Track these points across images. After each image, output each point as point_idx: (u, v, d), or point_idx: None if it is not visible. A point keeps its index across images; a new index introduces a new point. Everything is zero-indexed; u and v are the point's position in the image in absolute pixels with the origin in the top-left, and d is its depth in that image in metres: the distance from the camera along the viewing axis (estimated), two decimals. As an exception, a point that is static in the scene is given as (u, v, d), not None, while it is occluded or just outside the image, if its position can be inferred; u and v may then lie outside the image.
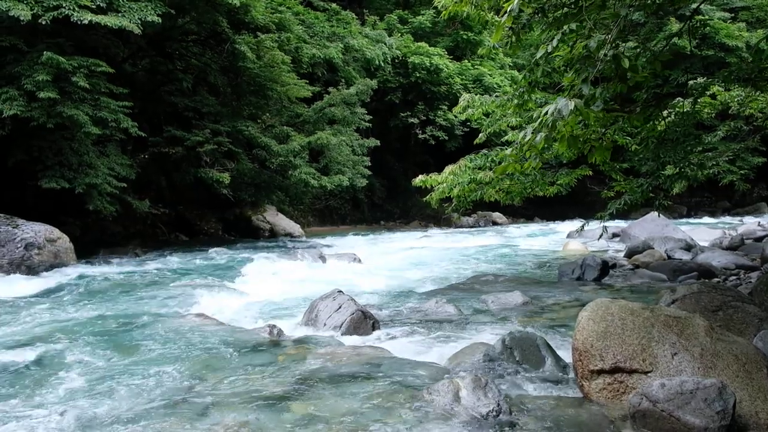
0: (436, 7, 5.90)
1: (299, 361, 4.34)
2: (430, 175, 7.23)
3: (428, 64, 24.29)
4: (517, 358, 4.07)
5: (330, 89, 18.21)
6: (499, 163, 5.73)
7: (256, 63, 15.06)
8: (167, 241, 14.60)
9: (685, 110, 6.46)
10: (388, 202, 26.21)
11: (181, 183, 14.86)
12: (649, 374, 3.28)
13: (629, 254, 10.74)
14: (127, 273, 9.38)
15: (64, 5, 9.71)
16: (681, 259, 9.70)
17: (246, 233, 16.96)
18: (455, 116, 16.29)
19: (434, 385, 3.44)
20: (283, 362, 4.33)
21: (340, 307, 5.53)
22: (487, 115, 7.82)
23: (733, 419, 2.86)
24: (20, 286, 8.06)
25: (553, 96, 4.97)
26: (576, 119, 3.61)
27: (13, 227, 9.30)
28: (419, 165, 21.10)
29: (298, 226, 19.05)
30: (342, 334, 5.22)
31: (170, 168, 14.73)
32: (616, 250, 12.41)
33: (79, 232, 11.53)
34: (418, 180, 7.24)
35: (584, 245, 12.56)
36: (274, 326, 5.28)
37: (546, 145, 3.79)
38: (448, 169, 7.05)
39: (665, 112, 6.40)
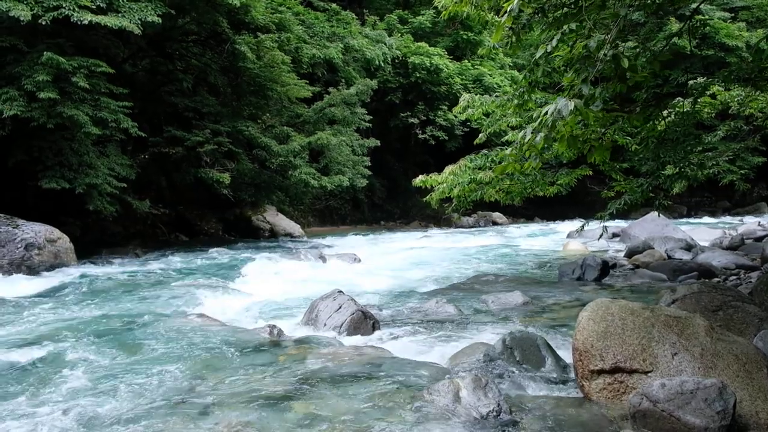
0: (436, 7, 5.90)
1: (300, 361, 4.34)
2: (430, 175, 7.23)
3: (428, 64, 24.29)
4: (517, 358, 4.07)
5: (330, 89, 18.21)
6: (499, 162, 5.73)
7: (256, 63, 15.06)
8: (167, 241, 14.61)
9: (685, 110, 6.46)
10: (388, 202, 26.21)
11: (181, 183, 14.86)
12: (649, 374, 3.28)
13: (629, 254, 10.74)
14: (128, 273, 9.38)
15: (64, 5, 9.71)
16: (681, 259, 9.70)
17: (246, 233, 16.97)
18: (455, 116, 16.29)
19: (434, 385, 3.44)
20: (283, 362, 4.33)
21: (340, 307, 5.53)
22: (487, 115, 7.82)
23: (733, 419, 2.86)
24: (21, 286, 8.07)
25: (553, 96, 4.97)
26: (576, 119, 3.61)
27: (14, 227, 9.30)
28: (419, 165, 21.10)
29: (299, 226, 19.06)
30: (342, 334, 5.22)
31: (170, 168, 14.73)
32: (616, 250, 12.41)
33: (79, 233, 11.54)
34: (418, 180, 7.25)
35: (584, 245, 12.56)
36: (275, 326, 5.28)
37: (546, 145, 3.80)
38: (448, 169, 7.05)
39: (665, 112, 6.40)
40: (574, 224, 12.07)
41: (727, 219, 23.46)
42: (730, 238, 12.07)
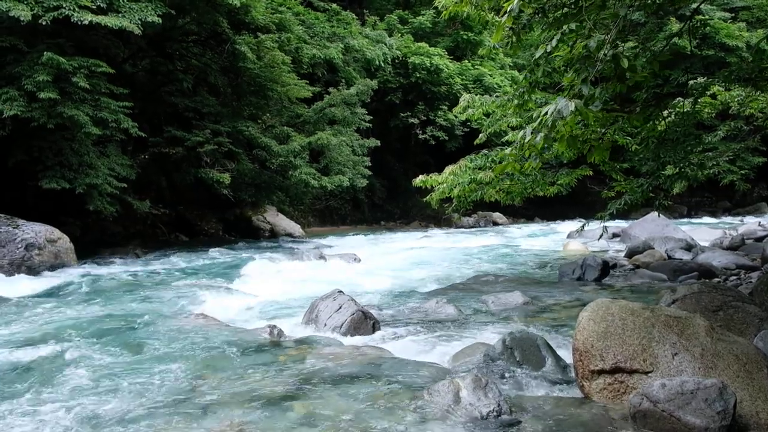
0: (436, 8, 5.90)
1: (300, 361, 4.34)
2: (430, 175, 7.23)
3: (428, 65, 24.29)
4: (517, 359, 4.07)
5: (330, 89, 18.21)
6: (500, 162, 5.73)
7: (256, 63, 15.06)
8: (167, 241, 14.61)
9: (685, 110, 6.46)
10: (388, 202, 26.21)
11: (181, 183, 14.86)
12: (649, 374, 3.28)
13: (629, 254, 10.74)
14: (128, 273, 9.39)
15: (64, 6, 9.72)
16: (681, 259, 9.70)
17: (246, 233, 16.96)
18: (455, 116, 16.33)
19: (435, 385, 3.44)
20: (283, 362, 4.33)
21: (340, 308, 5.53)
22: (487, 115, 7.83)
23: (733, 419, 2.86)
24: (21, 286, 8.07)
25: (553, 96, 4.98)
26: (575, 119, 3.61)
27: (14, 228, 9.30)
28: (419, 165, 21.10)
29: (299, 226, 19.06)
30: (342, 335, 5.22)
31: (170, 168, 14.73)
32: (616, 250, 12.41)
33: (79, 233, 11.54)
34: (419, 180, 7.25)
35: (584, 245, 12.56)
36: (275, 326, 5.28)
37: (546, 145, 3.79)
38: (449, 169, 7.05)
39: (665, 112, 6.40)
40: (575, 224, 12.08)
41: (728, 219, 23.46)
42: (731, 238, 12.06)
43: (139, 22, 10.52)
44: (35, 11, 9.56)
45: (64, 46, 10.32)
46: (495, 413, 3.15)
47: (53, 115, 9.71)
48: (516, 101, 5.43)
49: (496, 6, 5.22)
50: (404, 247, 14.11)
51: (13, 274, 8.76)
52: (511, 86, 21.88)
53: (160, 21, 11.00)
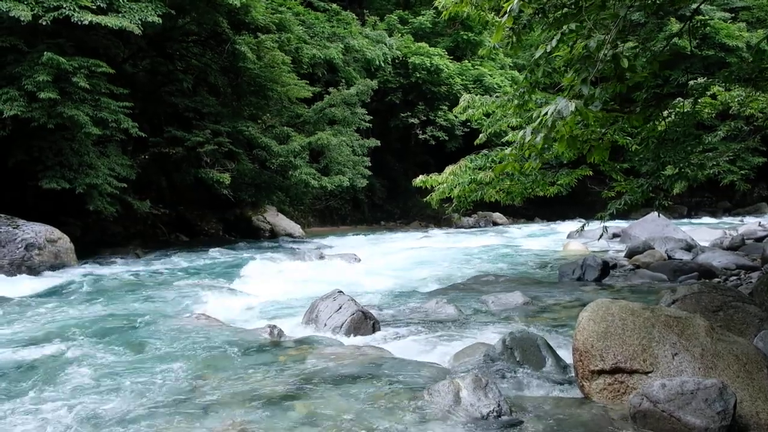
0: (436, 8, 5.90)
1: (300, 361, 4.34)
2: (430, 175, 7.23)
3: (428, 65, 24.29)
4: (517, 359, 4.07)
5: (330, 89, 18.22)
6: (500, 162, 5.73)
7: (256, 63, 15.07)
8: (168, 241, 14.61)
9: (685, 110, 6.46)
10: (388, 202, 26.21)
11: (181, 183, 14.87)
12: (649, 374, 3.28)
13: (630, 254, 10.73)
14: (128, 273, 9.39)
15: (64, 6, 9.72)
16: (681, 260, 9.70)
17: (246, 234, 16.97)
18: (455, 116, 16.32)
19: (435, 385, 3.44)
20: (284, 362, 4.33)
21: (340, 308, 5.53)
22: (487, 115, 7.83)
23: (733, 419, 2.86)
24: (22, 286, 8.08)
25: (553, 96, 4.97)
26: (575, 119, 3.61)
27: (14, 228, 9.30)
28: (419, 165, 21.10)
29: (299, 226, 19.06)
30: (342, 335, 5.22)
31: (171, 168, 14.74)
32: (616, 250, 12.41)
33: (79, 233, 11.54)
34: (419, 180, 7.25)
35: (585, 245, 12.56)
36: (275, 327, 5.28)
37: (546, 145, 3.79)
38: (449, 169, 7.05)
39: (665, 112, 6.40)
40: (575, 224, 12.08)
41: (728, 219, 23.45)
42: (731, 238, 12.06)
43: (139, 22, 10.53)
44: (35, 11, 9.57)
45: (64, 46, 10.33)
46: (495, 413, 3.15)
47: (53, 115, 9.71)
48: (516, 101, 5.43)
49: (496, 6, 5.22)
50: (404, 247, 14.11)
51: (14, 274, 8.77)
52: (511, 86, 21.88)
53: (160, 21, 11.01)
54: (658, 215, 10.93)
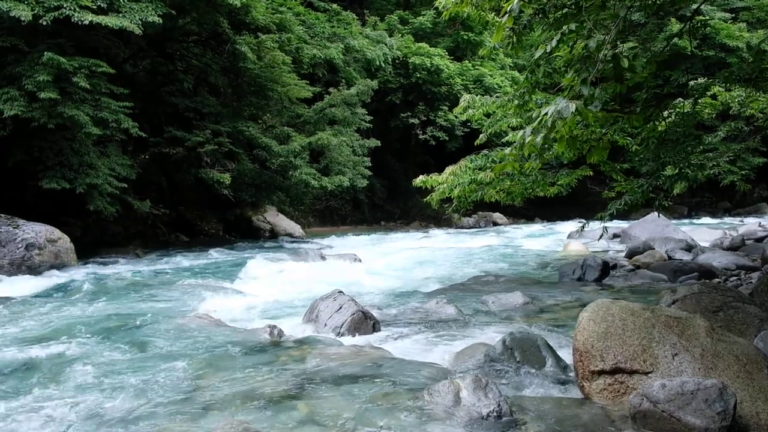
0: (436, 8, 5.90)
1: (300, 361, 4.34)
2: (430, 175, 7.23)
3: (429, 65, 24.30)
4: (517, 359, 4.07)
5: (330, 90, 18.23)
6: (500, 162, 5.73)
7: (256, 63, 15.08)
8: (168, 241, 14.61)
9: (685, 111, 6.46)
10: (388, 202, 26.22)
11: (181, 183, 14.87)
12: (649, 375, 3.28)
13: (630, 255, 10.73)
14: (128, 273, 9.39)
15: (64, 6, 9.73)
16: (681, 260, 9.69)
17: (246, 234, 16.97)
18: (456, 117, 16.28)
19: (435, 385, 3.44)
20: (284, 363, 4.33)
21: (340, 308, 5.53)
22: (487, 115, 7.83)
23: (733, 420, 2.85)
24: (22, 286, 8.08)
25: (554, 96, 4.98)
26: (575, 120, 3.61)
27: (14, 227, 9.30)
28: (420, 165, 21.10)
29: (299, 226, 19.06)
30: (342, 335, 5.22)
31: (171, 168, 14.74)
32: (616, 250, 12.41)
33: (79, 233, 11.54)
34: (419, 180, 7.25)
35: (585, 246, 12.56)
36: (275, 327, 5.28)
37: (546, 145, 3.79)
38: (449, 169, 7.05)
39: (666, 113, 6.40)
40: (575, 225, 12.09)
41: (728, 220, 23.45)
42: (731, 238, 12.06)
43: (140, 22, 10.54)
44: (36, 11, 9.58)
45: (64, 46, 10.33)
46: (495, 414, 3.15)
47: (54, 115, 9.71)
48: (516, 102, 5.44)
49: (496, 6, 5.22)
50: (404, 247, 14.11)
51: (14, 274, 8.77)
52: (511, 86, 21.89)
53: (161, 21, 11.01)
54: (658, 215, 10.93)
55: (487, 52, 20.84)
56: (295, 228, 18.61)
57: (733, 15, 27.00)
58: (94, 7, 10.17)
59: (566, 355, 4.12)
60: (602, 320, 3.51)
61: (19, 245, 9.09)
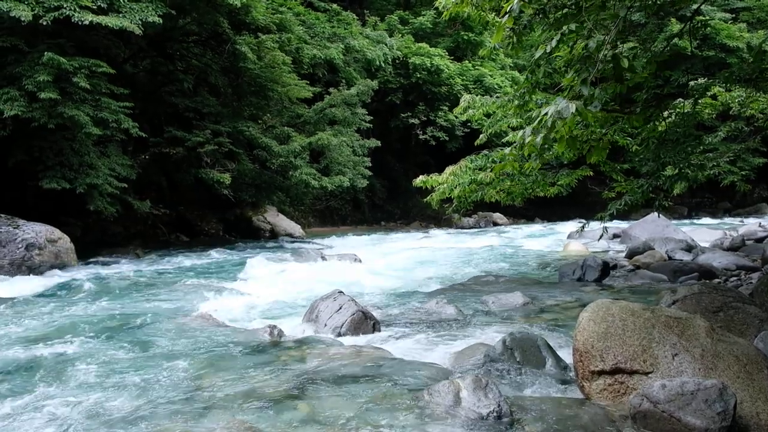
0: (437, 8, 5.90)
1: (300, 361, 4.35)
2: (430, 175, 7.23)
3: (429, 65, 24.30)
4: (517, 359, 4.07)
5: (331, 90, 18.23)
6: (500, 162, 5.73)
7: (256, 64, 15.08)
8: (168, 241, 14.61)
9: (685, 111, 6.46)
10: (388, 202, 26.22)
11: (181, 183, 14.87)
12: (649, 375, 3.28)
13: (630, 255, 10.73)
14: (128, 273, 9.39)
15: (65, 6, 9.73)
16: (682, 260, 9.69)
17: (247, 234, 16.97)
18: (456, 117, 16.27)
19: (435, 385, 3.44)
20: (284, 362, 4.34)
21: (340, 308, 5.53)
22: (487, 115, 7.83)
23: (734, 420, 2.86)
24: (22, 286, 8.08)
25: (554, 96, 4.98)
26: (575, 120, 3.61)
27: (14, 228, 9.31)
28: (420, 165, 21.10)
29: (299, 226, 19.06)
30: (342, 335, 5.22)
31: (171, 168, 14.74)
32: (616, 250, 12.41)
33: (79, 233, 11.55)
34: (419, 181, 7.25)
35: (585, 246, 12.56)
36: (275, 327, 5.28)
37: (546, 145, 3.79)
38: (449, 169, 7.06)
39: (666, 113, 6.39)
40: (575, 225, 12.09)
41: (728, 220, 23.44)
42: (731, 239, 12.06)
43: (140, 22, 10.54)
44: (36, 11, 9.58)
45: (64, 46, 10.34)
46: (495, 414, 3.15)
47: (54, 115, 9.72)
48: (516, 102, 5.43)
49: (496, 6, 5.22)
50: (405, 247, 14.11)
51: (14, 274, 8.77)
52: (511, 87, 21.91)
53: (161, 21, 11.02)
54: (659, 216, 10.92)
55: (487, 53, 20.85)
56: (296, 228, 18.61)
57: (734, 15, 26.99)
58: (94, 7, 10.17)
59: (566, 355, 4.12)
60: (602, 320, 3.51)
61: (20, 245, 9.09)
